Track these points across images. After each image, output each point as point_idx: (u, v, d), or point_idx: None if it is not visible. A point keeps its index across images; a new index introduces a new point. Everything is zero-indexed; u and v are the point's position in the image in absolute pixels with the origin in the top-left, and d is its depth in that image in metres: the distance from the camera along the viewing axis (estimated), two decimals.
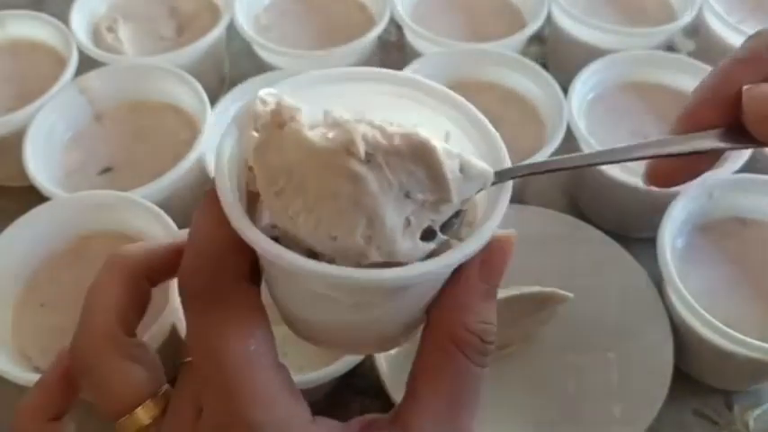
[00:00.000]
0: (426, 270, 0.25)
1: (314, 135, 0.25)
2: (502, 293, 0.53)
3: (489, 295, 0.28)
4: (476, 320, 0.28)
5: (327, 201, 0.25)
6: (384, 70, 0.30)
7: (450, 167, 0.26)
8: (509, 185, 0.28)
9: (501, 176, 0.28)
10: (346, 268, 0.25)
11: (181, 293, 0.27)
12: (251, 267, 0.28)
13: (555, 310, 0.55)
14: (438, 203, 0.27)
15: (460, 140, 0.30)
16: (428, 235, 0.27)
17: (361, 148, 0.25)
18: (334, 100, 0.28)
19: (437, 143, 0.26)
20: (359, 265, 0.26)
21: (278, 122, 0.27)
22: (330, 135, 0.25)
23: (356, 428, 0.28)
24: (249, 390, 0.25)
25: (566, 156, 0.31)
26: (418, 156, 0.26)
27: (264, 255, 0.25)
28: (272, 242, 0.25)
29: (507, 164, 0.29)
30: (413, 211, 0.26)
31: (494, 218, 0.27)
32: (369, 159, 0.25)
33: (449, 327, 0.28)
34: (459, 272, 0.28)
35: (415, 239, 0.26)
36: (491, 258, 0.28)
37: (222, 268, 0.26)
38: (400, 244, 0.26)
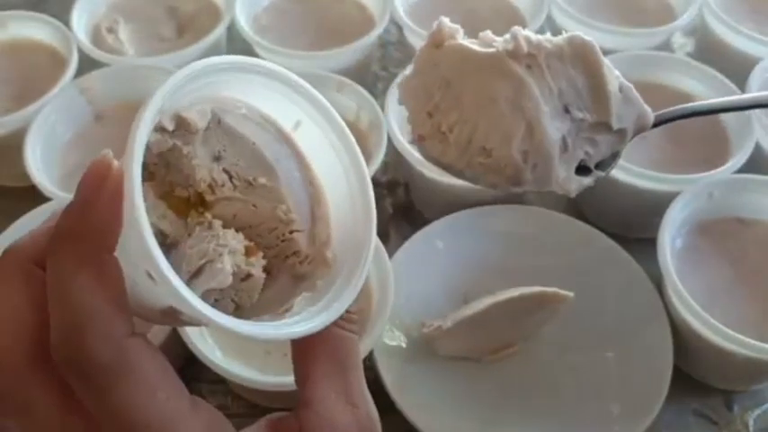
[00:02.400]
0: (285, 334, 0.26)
1: (475, 45, 0.25)
2: (503, 294, 0.54)
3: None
4: None
5: (486, 107, 0.24)
6: (254, 60, 0.28)
7: (611, 81, 0.25)
8: (370, 253, 0.28)
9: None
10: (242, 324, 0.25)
11: (71, 370, 0.24)
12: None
13: (556, 310, 0.55)
14: (596, 129, 0.26)
15: (311, 130, 0.30)
16: (583, 171, 0.26)
17: (525, 45, 0.24)
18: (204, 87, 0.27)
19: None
20: (512, 186, 0.25)
21: (436, 42, 0.26)
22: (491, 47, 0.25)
23: (264, 425, 0.28)
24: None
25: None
26: (580, 58, 0.25)
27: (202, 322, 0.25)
28: (208, 307, 0.24)
29: (362, 162, 0.29)
30: (570, 130, 0.25)
31: (351, 290, 0.28)
32: (530, 65, 0.24)
33: None
34: None
35: (570, 170, 0.26)
36: None
37: (114, 334, 0.24)
38: (556, 169, 0.25)
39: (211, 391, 0.59)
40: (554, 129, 0.24)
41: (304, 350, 0.29)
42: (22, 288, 0.26)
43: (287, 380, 0.50)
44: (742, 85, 0.68)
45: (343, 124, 0.29)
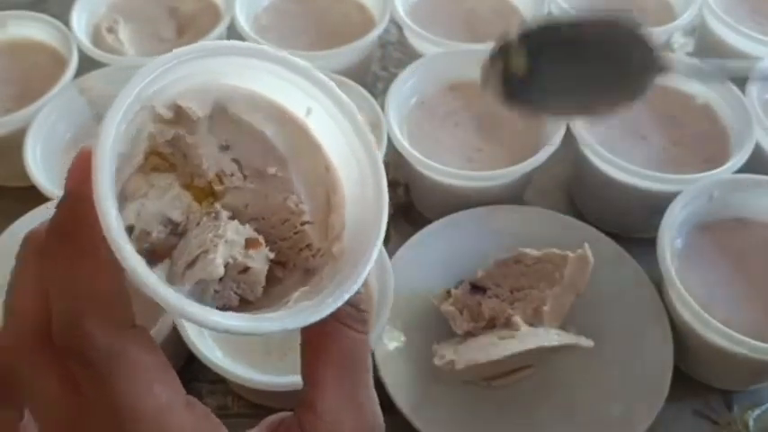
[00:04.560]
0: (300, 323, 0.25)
1: None
2: (520, 345, 0.53)
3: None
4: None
5: None
6: (254, 46, 0.28)
7: None
8: (380, 240, 0.27)
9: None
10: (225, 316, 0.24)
11: (71, 357, 0.25)
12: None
13: (575, 349, 0.55)
14: None
15: (322, 118, 0.29)
16: None
17: None
18: (201, 75, 0.27)
19: None
20: None
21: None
22: None
23: (264, 428, 0.28)
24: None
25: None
26: None
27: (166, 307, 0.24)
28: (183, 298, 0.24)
29: (374, 146, 0.29)
30: None
31: (359, 277, 0.27)
32: None
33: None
34: None
35: None
36: None
37: (115, 321, 0.25)
38: None
39: (211, 391, 0.59)
40: None
41: (314, 350, 0.28)
42: (36, 272, 0.27)
43: (287, 380, 0.50)
44: (742, 85, 0.68)
45: (355, 109, 0.29)
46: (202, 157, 0.28)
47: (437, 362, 0.54)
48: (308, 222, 0.29)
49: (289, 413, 0.29)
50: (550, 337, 0.53)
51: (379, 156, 0.28)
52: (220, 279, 0.26)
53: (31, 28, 0.78)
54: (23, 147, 0.64)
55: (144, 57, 0.77)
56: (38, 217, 0.58)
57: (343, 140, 0.29)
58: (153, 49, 0.79)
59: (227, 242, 0.26)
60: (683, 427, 0.58)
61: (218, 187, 0.28)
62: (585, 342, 0.54)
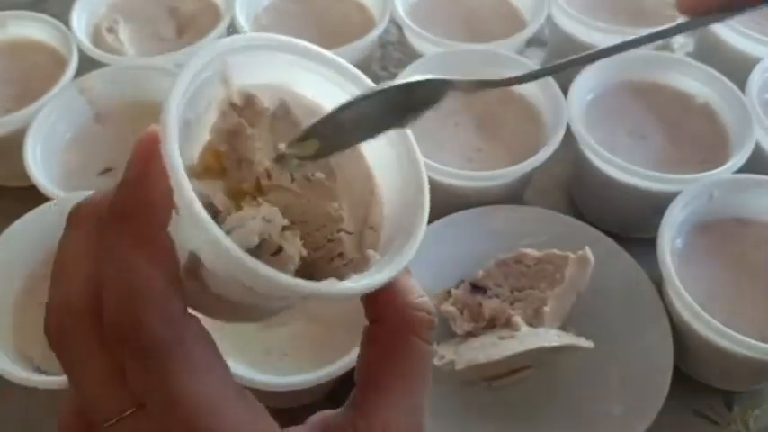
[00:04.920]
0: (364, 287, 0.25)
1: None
2: (520, 345, 0.53)
3: (410, 271, 0.29)
4: (416, 297, 0.28)
5: None
6: (327, 54, 0.29)
7: None
8: (425, 207, 0.28)
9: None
10: (313, 283, 0.24)
11: (125, 347, 0.24)
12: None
13: (575, 350, 0.55)
14: None
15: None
16: None
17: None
18: (273, 69, 0.28)
19: None
20: None
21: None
22: None
23: (316, 424, 0.27)
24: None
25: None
26: None
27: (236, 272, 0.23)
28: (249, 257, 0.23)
29: (413, 144, 0.29)
30: None
31: (412, 242, 0.27)
32: None
33: (397, 312, 0.28)
34: None
35: None
36: None
37: (171, 311, 0.24)
38: None
39: None
40: None
41: (383, 352, 0.28)
42: (86, 249, 0.26)
43: (287, 380, 0.50)
44: (742, 85, 0.68)
45: (412, 138, 0.29)
46: (256, 151, 0.28)
47: (437, 362, 0.54)
48: (344, 231, 0.29)
49: (340, 412, 0.28)
50: (550, 337, 0.53)
51: (423, 165, 0.29)
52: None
53: (31, 28, 0.78)
54: (23, 147, 0.64)
55: (144, 57, 0.77)
56: (38, 217, 0.58)
57: (391, 152, 0.29)
58: (153, 49, 0.79)
59: (265, 219, 0.26)
60: (683, 427, 0.58)
61: (265, 182, 0.28)
62: (585, 343, 0.54)
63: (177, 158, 0.23)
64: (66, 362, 0.26)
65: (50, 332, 0.26)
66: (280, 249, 0.27)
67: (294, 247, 0.27)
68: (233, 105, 0.28)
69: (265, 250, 0.26)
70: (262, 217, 0.26)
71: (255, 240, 0.26)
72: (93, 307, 0.25)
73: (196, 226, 0.23)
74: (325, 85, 0.29)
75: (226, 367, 0.25)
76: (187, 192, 0.23)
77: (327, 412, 0.28)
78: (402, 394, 0.27)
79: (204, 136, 0.27)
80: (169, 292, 0.24)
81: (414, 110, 0.28)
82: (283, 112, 0.29)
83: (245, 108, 0.28)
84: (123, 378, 0.24)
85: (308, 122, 0.28)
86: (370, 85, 0.29)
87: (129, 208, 0.24)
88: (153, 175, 0.24)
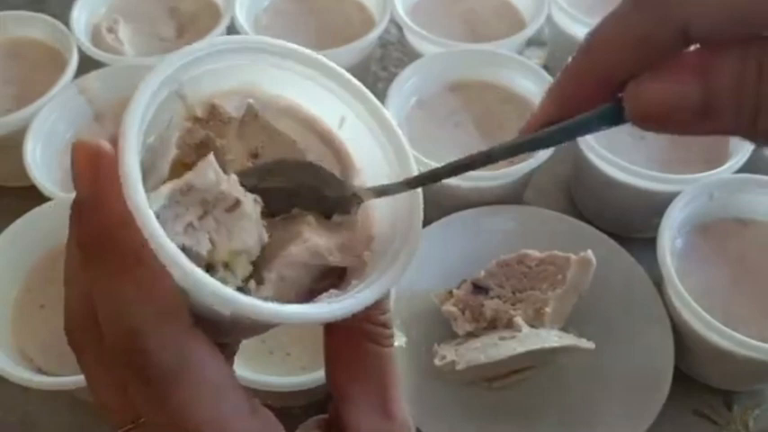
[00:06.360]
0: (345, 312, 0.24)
1: None
2: (521, 346, 0.52)
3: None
4: (378, 314, 0.28)
5: None
6: (291, 46, 0.27)
7: None
8: (413, 251, 0.26)
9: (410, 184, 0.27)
10: (280, 307, 0.23)
11: (130, 373, 0.23)
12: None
13: (576, 351, 0.55)
14: None
15: (356, 127, 0.28)
16: None
17: None
18: (235, 73, 0.27)
19: None
20: None
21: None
22: None
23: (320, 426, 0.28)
24: None
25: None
26: None
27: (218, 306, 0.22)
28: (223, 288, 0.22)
29: (409, 157, 0.28)
30: None
31: (394, 272, 0.26)
32: None
33: (357, 328, 0.28)
34: None
35: None
36: None
37: (174, 328, 0.23)
38: None
39: None
40: None
41: (340, 361, 0.28)
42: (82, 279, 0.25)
43: (287, 380, 0.50)
44: None
45: (392, 121, 0.28)
46: (228, 164, 0.27)
47: (438, 362, 0.54)
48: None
49: (324, 416, 0.29)
50: (551, 338, 0.53)
51: (414, 166, 0.28)
52: (202, 215, 0.24)
53: (31, 28, 0.78)
54: (23, 147, 0.64)
55: (144, 57, 0.77)
56: (38, 217, 0.58)
57: (379, 153, 0.28)
58: (153, 49, 0.79)
59: (228, 180, 0.25)
60: (683, 427, 0.58)
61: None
62: (586, 344, 0.54)
63: (143, 199, 0.21)
64: (80, 365, 0.26)
65: (67, 332, 0.26)
66: (237, 204, 0.25)
67: (251, 207, 0.26)
68: (197, 119, 0.26)
69: (218, 205, 0.25)
70: (227, 179, 0.25)
71: (213, 179, 0.24)
72: (96, 321, 0.24)
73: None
74: (293, 78, 0.27)
75: (236, 382, 0.25)
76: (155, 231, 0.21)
77: (318, 417, 0.29)
78: (367, 398, 0.28)
79: (172, 151, 0.26)
80: (163, 314, 0.23)
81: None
82: (251, 117, 0.27)
83: (209, 120, 0.27)
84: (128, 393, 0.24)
85: (280, 122, 0.27)
86: (336, 71, 0.27)
87: (98, 238, 0.23)
88: (107, 192, 0.23)
